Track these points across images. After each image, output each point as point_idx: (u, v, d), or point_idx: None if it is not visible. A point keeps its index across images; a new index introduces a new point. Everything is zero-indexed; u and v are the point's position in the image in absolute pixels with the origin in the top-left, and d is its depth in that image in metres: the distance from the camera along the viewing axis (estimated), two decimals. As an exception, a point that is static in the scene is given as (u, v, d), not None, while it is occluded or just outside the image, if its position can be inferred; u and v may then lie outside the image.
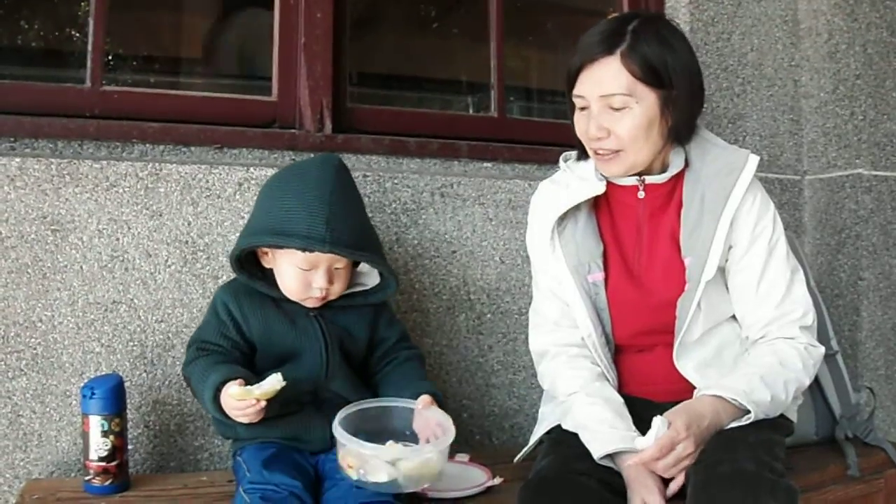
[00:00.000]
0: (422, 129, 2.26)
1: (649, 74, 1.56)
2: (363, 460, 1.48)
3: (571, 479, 1.48)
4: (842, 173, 2.59)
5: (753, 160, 1.65)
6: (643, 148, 1.61)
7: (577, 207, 1.69)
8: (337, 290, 1.66)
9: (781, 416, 1.66)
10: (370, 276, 1.76)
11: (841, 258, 2.58)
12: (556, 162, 2.35)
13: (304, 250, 1.59)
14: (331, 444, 1.58)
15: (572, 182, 1.73)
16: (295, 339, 1.66)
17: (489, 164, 2.30)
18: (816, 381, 1.98)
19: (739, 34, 2.57)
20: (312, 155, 2.06)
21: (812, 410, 1.94)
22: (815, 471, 1.83)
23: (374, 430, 1.55)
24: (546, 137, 2.42)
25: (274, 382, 1.49)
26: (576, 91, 1.63)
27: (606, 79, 1.58)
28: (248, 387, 1.48)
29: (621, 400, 1.64)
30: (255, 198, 1.90)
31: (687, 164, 1.69)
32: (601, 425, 1.57)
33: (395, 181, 2.08)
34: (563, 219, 1.70)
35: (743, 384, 1.55)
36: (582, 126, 1.65)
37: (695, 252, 1.64)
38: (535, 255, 1.79)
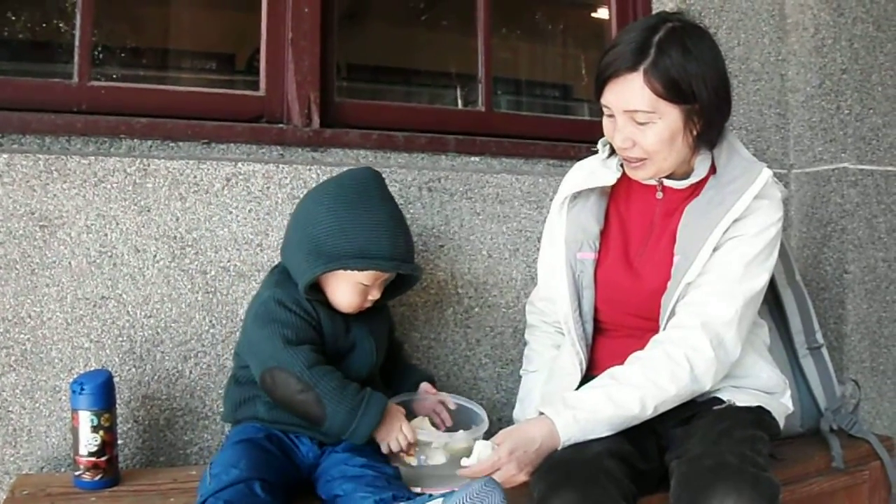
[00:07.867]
0: (409, 123, 2.26)
1: (672, 91, 1.58)
2: (424, 447, 1.66)
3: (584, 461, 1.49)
4: (827, 167, 2.60)
5: (762, 177, 1.65)
6: (668, 157, 1.65)
7: (591, 189, 1.78)
8: (378, 296, 1.71)
9: (768, 414, 1.68)
10: None
11: (826, 251, 2.59)
12: (543, 156, 2.38)
13: (385, 271, 1.66)
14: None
15: (596, 167, 1.80)
16: (346, 340, 1.69)
17: (476, 159, 2.31)
18: (802, 374, 2.01)
19: (726, 28, 2.58)
20: (300, 150, 2.08)
21: (797, 403, 1.95)
22: (799, 463, 1.85)
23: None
24: (533, 131, 2.43)
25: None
26: (602, 100, 1.66)
27: (629, 95, 1.60)
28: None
29: (569, 373, 1.77)
30: (242, 192, 1.92)
31: (714, 169, 1.72)
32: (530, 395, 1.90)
33: (383, 175, 2.07)
34: (577, 197, 1.79)
35: (585, 401, 1.57)
36: (609, 132, 1.70)
37: (684, 252, 1.66)
38: (547, 226, 1.89)
